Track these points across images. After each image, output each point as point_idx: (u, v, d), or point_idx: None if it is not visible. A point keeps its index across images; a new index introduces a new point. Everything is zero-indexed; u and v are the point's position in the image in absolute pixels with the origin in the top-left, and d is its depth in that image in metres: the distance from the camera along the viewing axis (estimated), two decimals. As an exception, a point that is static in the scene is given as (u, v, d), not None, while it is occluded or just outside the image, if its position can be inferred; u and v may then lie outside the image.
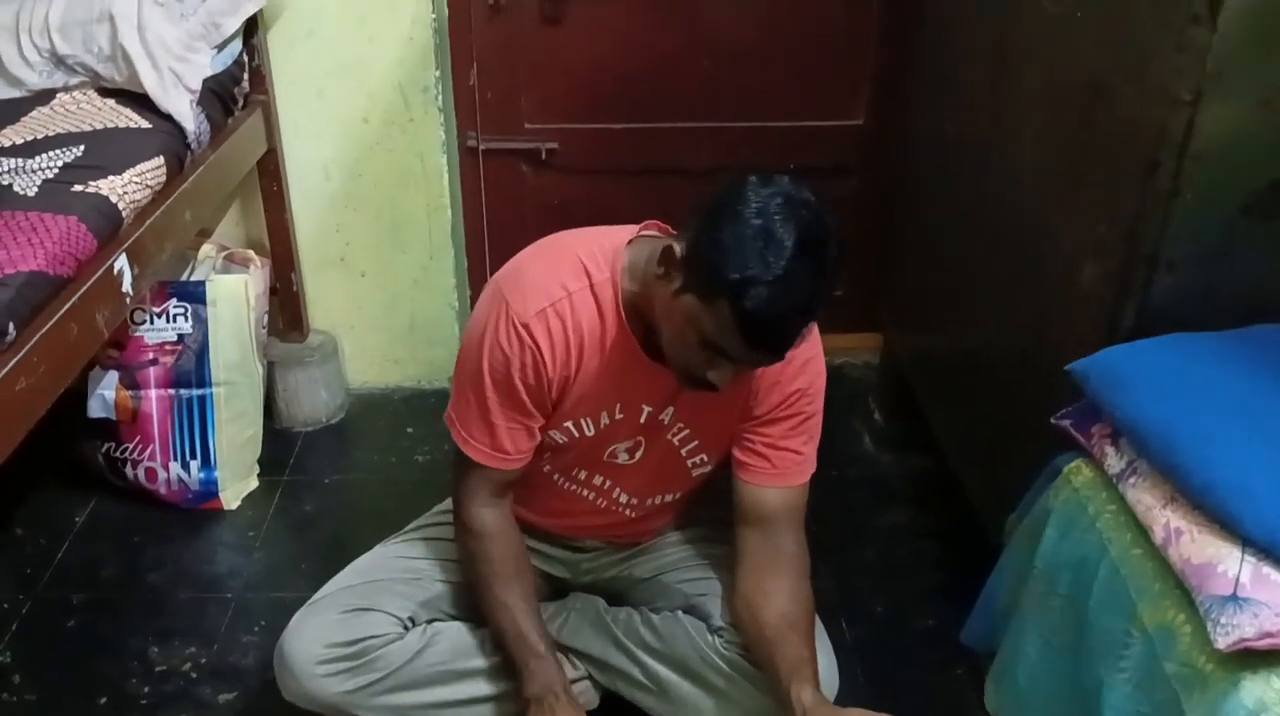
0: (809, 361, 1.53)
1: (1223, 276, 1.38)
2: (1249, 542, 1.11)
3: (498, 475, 1.52)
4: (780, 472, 1.53)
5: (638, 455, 1.58)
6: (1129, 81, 1.41)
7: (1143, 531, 1.24)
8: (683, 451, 1.58)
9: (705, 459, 1.59)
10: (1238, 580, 1.08)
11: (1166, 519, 1.20)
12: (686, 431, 1.55)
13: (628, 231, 1.49)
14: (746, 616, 1.51)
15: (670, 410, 1.52)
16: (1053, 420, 1.44)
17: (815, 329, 1.53)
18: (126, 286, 1.63)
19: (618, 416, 1.52)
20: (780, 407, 1.52)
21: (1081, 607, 1.32)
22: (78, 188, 1.63)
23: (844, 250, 1.27)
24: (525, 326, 1.42)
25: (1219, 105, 1.28)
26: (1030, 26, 1.69)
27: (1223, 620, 1.06)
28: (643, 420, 1.53)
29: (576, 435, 1.54)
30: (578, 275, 1.45)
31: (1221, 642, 1.06)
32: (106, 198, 1.64)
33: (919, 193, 2.25)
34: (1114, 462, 1.32)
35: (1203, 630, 1.10)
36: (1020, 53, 1.74)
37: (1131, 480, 1.28)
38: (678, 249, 1.30)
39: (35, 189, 1.61)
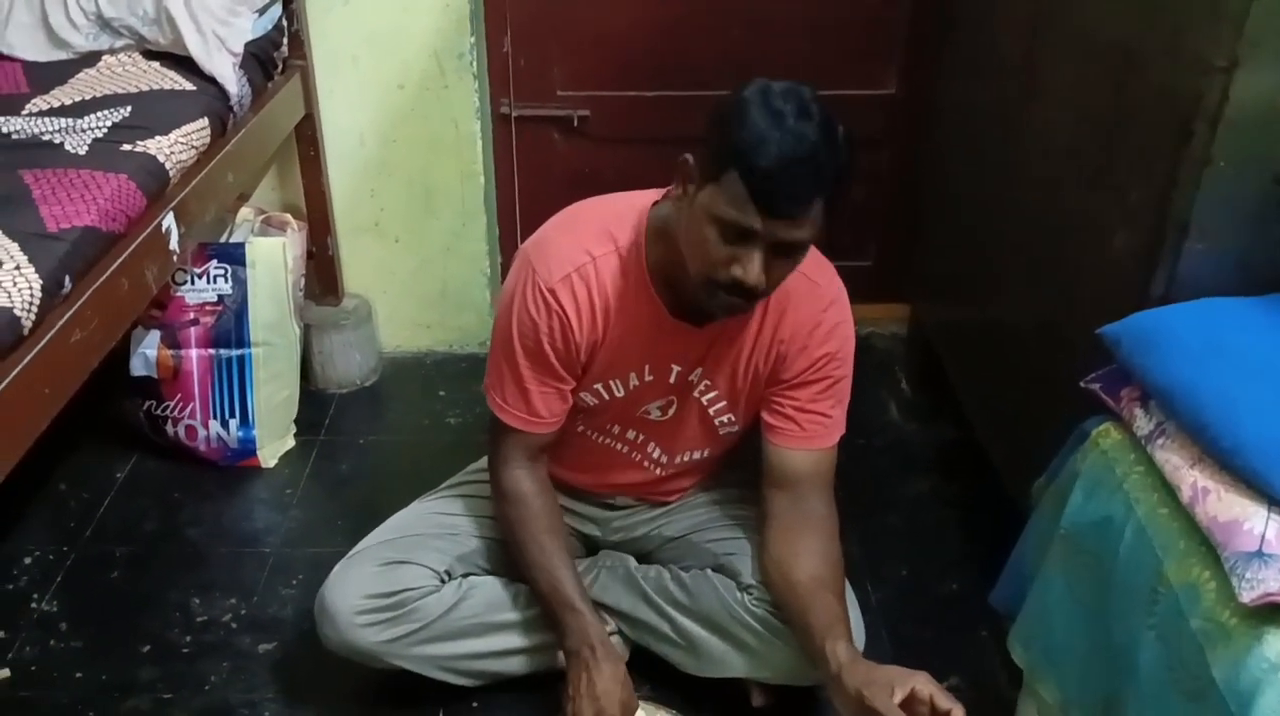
0: (837, 325, 1.55)
1: (1254, 244, 1.38)
2: (1275, 501, 1.13)
3: (533, 439, 1.57)
4: (809, 436, 1.56)
5: (670, 412, 1.61)
6: (1163, 48, 1.41)
7: (1169, 491, 1.26)
8: (710, 411, 1.61)
9: (732, 419, 1.62)
10: (1264, 537, 1.10)
11: (1194, 478, 1.22)
12: (714, 392, 1.58)
13: (652, 194, 1.52)
14: (778, 577, 1.54)
15: (699, 370, 1.55)
16: (1082, 383, 1.46)
17: (843, 294, 1.56)
18: (174, 244, 1.67)
19: (647, 378, 1.55)
20: (809, 371, 1.55)
21: (1108, 566, 1.34)
22: (126, 147, 1.67)
23: (852, 137, 1.32)
24: (551, 292, 1.46)
25: (1254, 73, 1.28)
26: (1066, -7, 1.70)
27: (1248, 575, 1.08)
28: (672, 380, 1.56)
29: (607, 397, 1.57)
30: (602, 240, 1.48)
31: (1246, 597, 1.08)
32: (154, 157, 1.67)
33: (949, 162, 2.26)
34: (1143, 424, 1.34)
35: (1227, 586, 1.12)
36: (1053, 20, 1.75)
37: (1160, 441, 1.30)
38: (690, 159, 1.35)
39: (86, 148, 1.65)
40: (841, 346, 1.56)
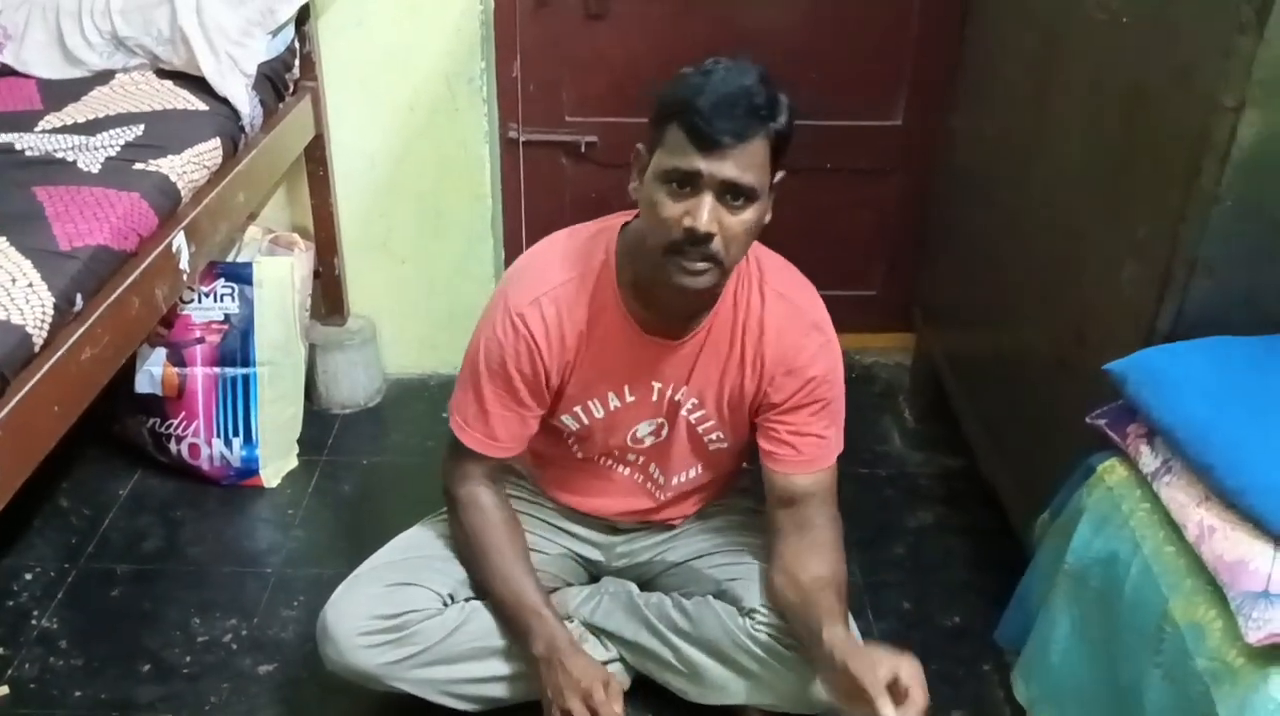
0: (823, 347, 1.56)
1: (1262, 281, 1.39)
2: (1282, 541, 1.14)
3: (489, 462, 1.59)
4: (808, 459, 1.57)
5: (663, 435, 1.63)
6: (1173, 86, 1.43)
7: (1175, 529, 1.27)
8: (699, 429, 1.62)
9: (721, 436, 1.63)
10: (1270, 576, 1.11)
11: (1200, 517, 1.22)
12: (702, 411, 1.60)
13: (625, 216, 1.54)
14: (785, 583, 1.55)
15: (684, 389, 1.57)
16: (1088, 419, 1.47)
17: (826, 314, 1.58)
18: (184, 264, 1.68)
19: (628, 398, 1.57)
20: (798, 395, 1.56)
21: (1113, 603, 1.34)
22: (139, 165, 1.68)
23: (794, 107, 1.39)
24: (520, 316, 1.49)
25: (1262, 112, 1.29)
26: (1075, 30, 1.71)
27: (1254, 615, 1.09)
28: (654, 398, 1.57)
29: (587, 420, 1.59)
30: (573, 263, 1.51)
31: (1253, 637, 1.08)
32: (166, 176, 1.68)
33: (958, 193, 2.27)
34: (1148, 462, 1.34)
35: (1233, 626, 1.12)
36: (1064, 56, 1.76)
37: (1166, 479, 1.30)
38: (640, 146, 1.39)
39: (99, 166, 1.66)
40: (829, 368, 1.57)
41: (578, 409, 1.58)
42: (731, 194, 1.33)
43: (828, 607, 1.45)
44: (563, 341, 1.50)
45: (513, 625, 1.58)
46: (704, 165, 1.31)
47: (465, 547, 1.63)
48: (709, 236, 1.33)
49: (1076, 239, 1.68)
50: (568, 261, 1.52)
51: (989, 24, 2.12)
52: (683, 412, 1.59)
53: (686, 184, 1.33)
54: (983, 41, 2.15)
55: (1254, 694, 1.08)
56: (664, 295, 1.45)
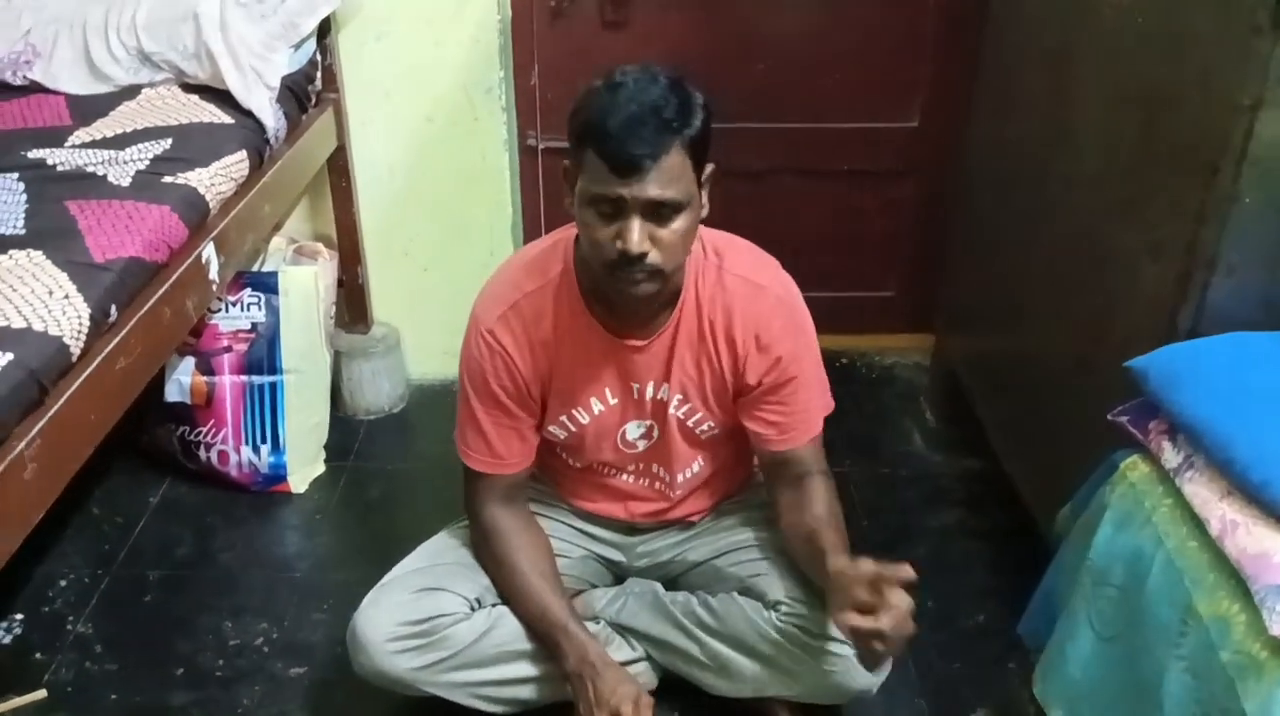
0: (789, 320, 1.58)
1: (1281, 279, 1.40)
2: (1305, 535, 1.15)
3: (500, 481, 1.62)
4: (795, 435, 1.61)
5: (655, 436, 1.65)
6: (1190, 88, 1.44)
7: (1198, 524, 1.28)
8: (689, 422, 1.64)
9: (711, 426, 1.65)
10: (1294, 570, 1.12)
11: (1223, 512, 1.23)
12: (688, 405, 1.62)
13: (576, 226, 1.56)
14: (791, 534, 1.60)
15: (665, 386, 1.59)
16: (1110, 416, 1.48)
17: (790, 286, 1.60)
18: (213, 274, 1.71)
19: (611, 401, 1.60)
20: (771, 375, 1.58)
21: (1135, 599, 1.35)
22: (168, 178, 1.71)
23: (709, 103, 1.37)
24: (490, 332, 1.53)
25: (1279, 112, 1.31)
26: (1092, 32, 1.73)
27: (1278, 607, 1.09)
28: (636, 399, 1.60)
29: (574, 427, 1.62)
30: (532, 275, 1.54)
31: (1277, 629, 1.09)
32: (195, 188, 1.72)
33: (976, 195, 2.28)
34: (1171, 458, 1.35)
35: (1257, 619, 1.13)
36: (1081, 58, 1.78)
37: (1188, 474, 1.31)
38: (568, 163, 1.40)
39: (129, 179, 1.69)
40: (795, 341, 1.59)
41: (563, 418, 1.61)
42: (658, 210, 1.35)
43: (830, 543, 1.50)
44: (533, 351, 1.54)
45: (544, 643, 1.60)
46: (625, 191, 1.32)
47: (492, 572, 1.65)
48: (643, 255, 1.36)
49: (1096, 239, 1.69)
50: (528, 274, 1.55)
51: (1006, 26, 2.13)
52: (670, 411, 1.62)
53: (612, 207, 1.34)
54: (999, 44, 2.16)
55: (1279, 686, 1.09)
56: (621, 301, 1.48)
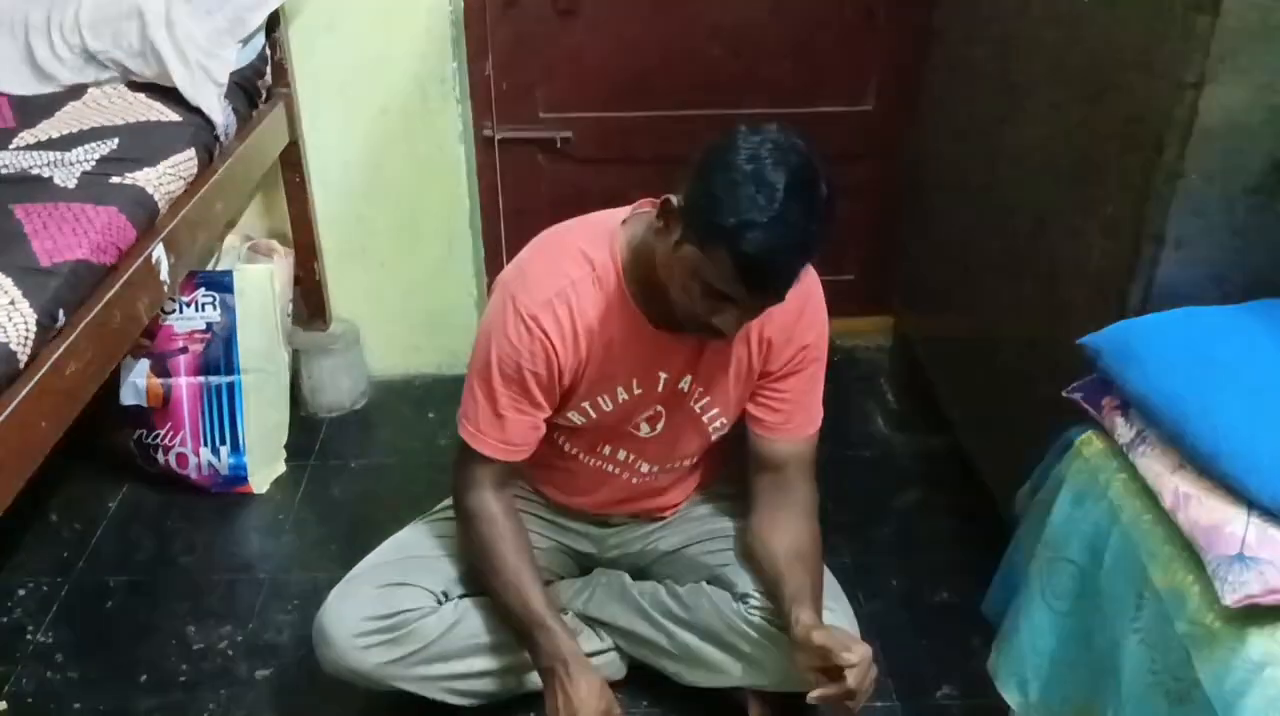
0: (816, 313, 1.59)
1: (1228, 254, 1.42)
2: (1254, 505, 1.16)
3: (501, 467, 1.59)
4: (795, 425, 1.62)
5: (659, 427, 1.63)
6: (1135, 66, 1.45)
7: (1152, 498, 1.29)
8: (704, 417, 1.64)
9: (725, 422, 1.65)
10: (1244, 540, 1.13)
11: (1175, 485, 1.25)
12: (707, 398, 1.61)
13: (622, 212, 1.55)
14: (758, 548, 1.60)
15: (689, 378, 1.58)
16: (1064, 393, 1.49)
17: (817, 281, 1.59)
18: (164, 274, 1.69)
19: (636, 391, 1.58)
20: (792, 362, 1.59)
21: (1093, 574, 1.37)
22: (115, 179, 1.69)
23: (834, 190, 1.33)
24: (534, 318, 1.48)
25: (1222, 88, 1.32)
26: (1039, 12, 1.74)
27: (1230, 578, 1.11)
28: (660, 388, 1.58)
29: (594, 415, 1.59)
30: (578, 263, 1.51)
31: (1229, 599, 1.10)
32: (143, 188, 1.69)
33: (930, 176, 2.29)
34: (1124, 433, 1.37)
35: (1211, 590, 1.15)
36: (1028, 38, 1.79)
37: (1141, 449, 1.33)
38: (675, 200, 1.36)
39: (75, 181, 1.66)
40: (820, 333, 1.61)
41: (585, 404, 1.58)
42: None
43: (797, 585, 1.51)
44: (576, 340, 1.50)
45: (518, 633, 1.58)
46: (749, 299, 1.34)
47: (473, 557, 1.63)
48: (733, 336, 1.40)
49: (1046, 217, 1.70)
50: (575, 261, 1.51)
51: (955, 7, 2.14)
52: (690, 403, 1.61)
53: (725, 298, 1.34)
54: (949, 25, 2.17)
55: (1233, 655, 1.11)
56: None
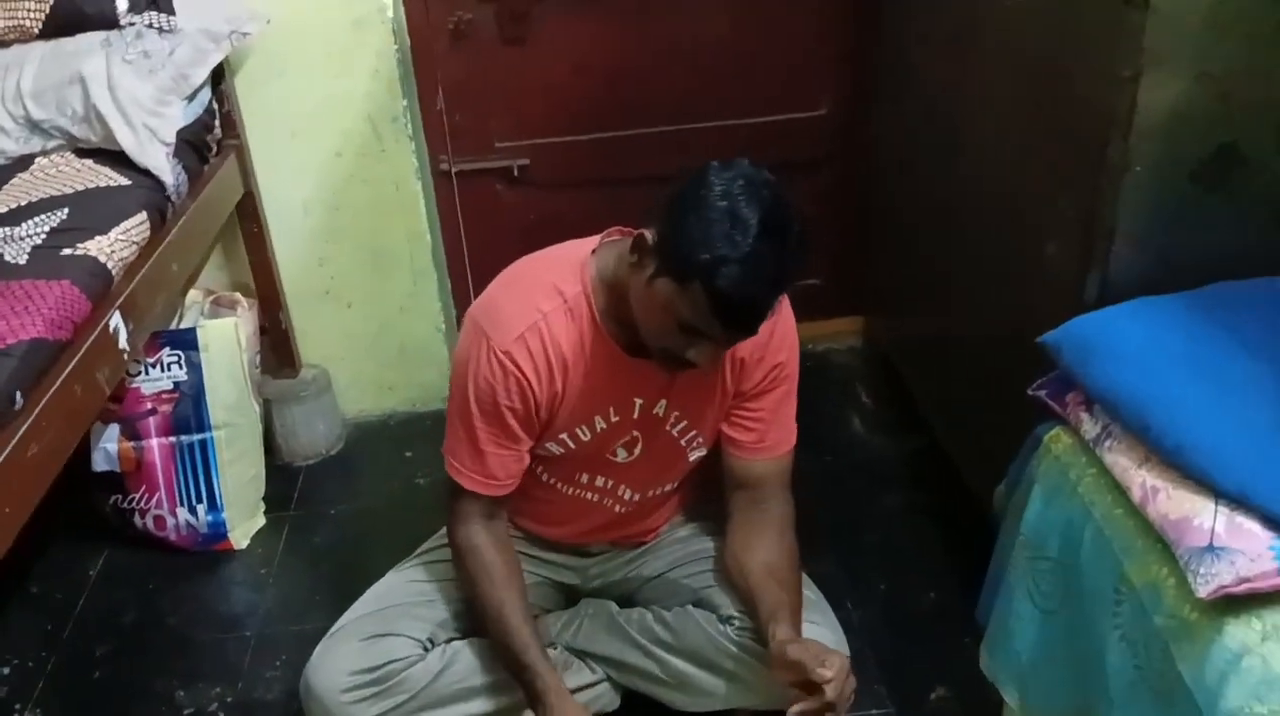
0: (787, 332, 1.60)
1: (1178, 243, 1.43)
2: (1221, 496, 1.16)
3: (488, 500, 1.58)
4: (769, 445, 1.62)
5: (636, 451, 1.63)
6: (1076, 62, 1.46)
7: (1123, 492, 1.30)
8: (681, 441, 1.63)
9: (702, 442, 1.65)
10: (1213, 531, 1.13)
11: (1143, 478, 1.25)
12: (684, 422, 1.61)
13: (591, 242, 1.55)
14: (733, 565, 1.60)
15: (663, 402, 1.58)
16: (1029, 392, 1.50)
17: (785, 299, 1.58)
18: (123, 342, 1.67)
19: (613, 418, 1.58)
20: (765, 381, 1.59)
21: (1071, 570, 1.37)
22: (66, 251, 1.67)
23: (806, 225, 1.34)
24: (507, 353, 1.48)
25: (1159, 81, 1.33)
26: (985, 11, 1.75)
27: (1201, 570, 1.11)
28: (635, 415, 1.58)
29: (573, 445, 1.59)
30: (549, 295, 1.50)
31: (1202, 591, 1.11)
32: (95, 258, 1.67)
33: (889, 179, 2.30)
34: (1090, 428, 1.37)
35: (1185, 582, 1.15)
36: (977, 37, 1.80)
37: (1108, 443, 1.33)
38: (649, 236, 1.36)
39: (26, 256, 1.65)
40: (791, 352, 1.61)
41: (564, 436, 1.58)
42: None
43: (775, 601, 1.51)
44: (551, 373, 1.50)
45: (505, 666, 1.58)
46: (724, 334, 1.35)
47: (464, 591, 1.63)
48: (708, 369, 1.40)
49: (1003, 216, 1.71)
50: (546, 293, 1.50)
51: (904, 8, 2.15)
52: (666, 427, 1.60)
53: (700, 334, 1.35)
54: (899, 26, 2.18)
55: (1211, 646, 1.11)
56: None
